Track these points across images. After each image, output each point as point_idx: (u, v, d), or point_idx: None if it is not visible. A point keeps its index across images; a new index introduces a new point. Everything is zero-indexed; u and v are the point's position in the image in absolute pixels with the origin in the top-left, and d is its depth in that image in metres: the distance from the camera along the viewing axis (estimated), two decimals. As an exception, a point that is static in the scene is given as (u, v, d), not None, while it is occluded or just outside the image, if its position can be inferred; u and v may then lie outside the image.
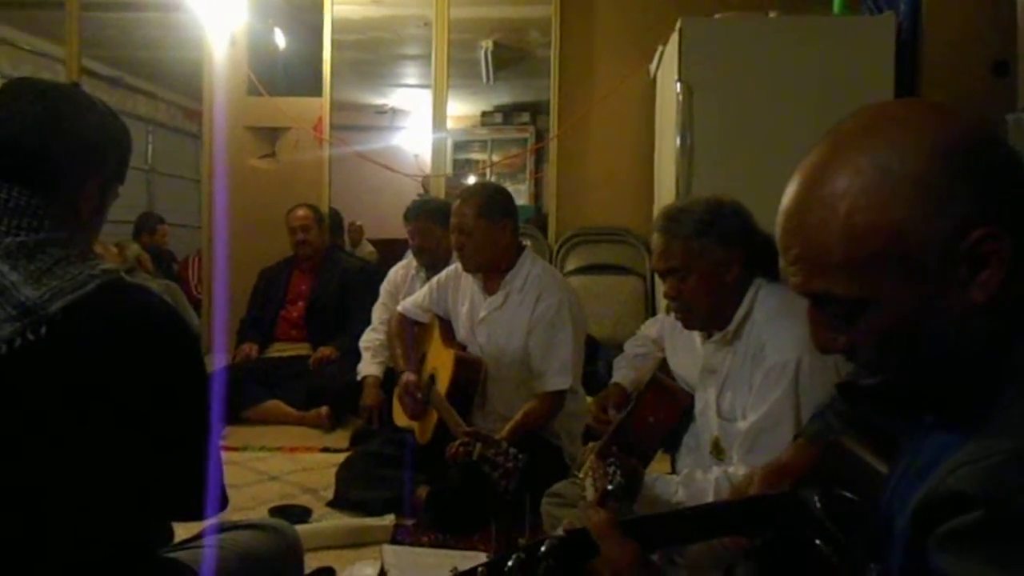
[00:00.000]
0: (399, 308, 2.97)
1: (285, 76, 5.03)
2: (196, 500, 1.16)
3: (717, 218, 1.79)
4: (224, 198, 4.73)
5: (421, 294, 2.91)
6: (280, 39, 5.01)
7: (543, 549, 0.82)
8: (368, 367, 3.47)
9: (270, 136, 4.98)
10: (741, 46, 3.42)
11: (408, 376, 2.69)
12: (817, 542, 0.86)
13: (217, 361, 4.02)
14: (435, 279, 2.90)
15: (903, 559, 0.71)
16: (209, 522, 1.49)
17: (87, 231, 1.22)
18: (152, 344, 1.12)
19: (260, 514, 2.53)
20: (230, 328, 4.39)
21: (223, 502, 1.24)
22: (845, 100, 3.30)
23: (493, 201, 2.64)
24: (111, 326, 1.09)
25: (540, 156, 6.62)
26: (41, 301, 1.06)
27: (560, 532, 0.84)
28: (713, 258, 1.77)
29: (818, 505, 0.89)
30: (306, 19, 5.06)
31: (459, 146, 7.54)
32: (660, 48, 4.03)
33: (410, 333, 2.89)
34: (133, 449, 1.11)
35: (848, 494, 0.89)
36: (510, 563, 0.80)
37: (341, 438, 3.60)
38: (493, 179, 6.87)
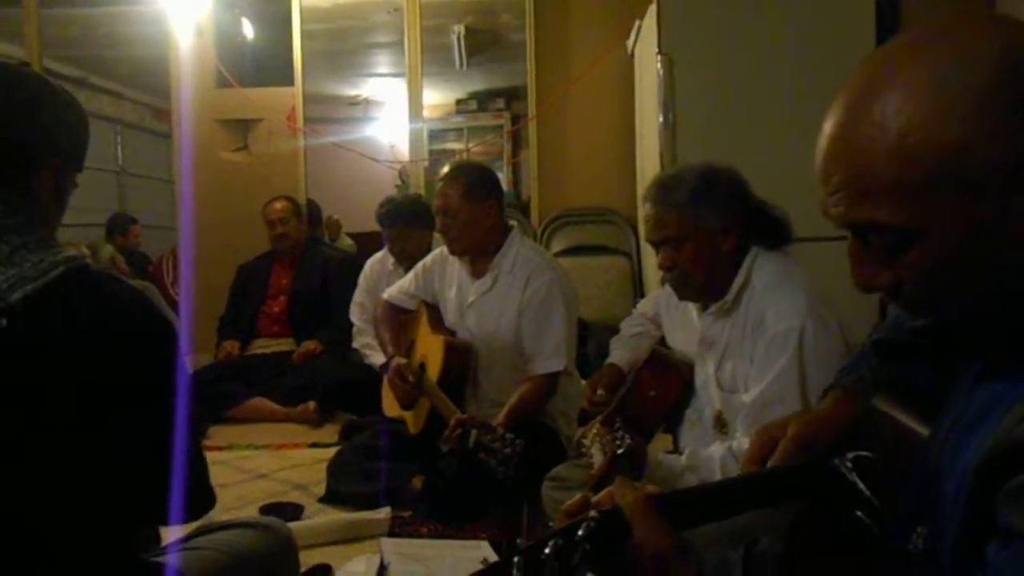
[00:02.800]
0: (384, 295, 2.89)
1: (255, 67, 4.92)
2: (173, 501, 1.08)
3: (712, 184, 1.73)
4: (196, 194, 4.62)
5: (407, 280, 2.84)
6: (248, 29, 4.89)
7: (580, 533, 0.75)
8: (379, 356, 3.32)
9: (242, 129, 4.87)
10: (721, 15, 3.36)
11: (398, 360, 2.61)
12: (857, 513, 0.80)
13: (191, 361, 3.92)
14: (420, 264, 2.82)
15: (963, 518, 0.65)
16: (198, 523, 1.42)
17: (46, 220, 1.14)
18: (122, 336, 1.04)
19: (249, 514, 2.45)
20: (208, 326, 4.29)
21: (209, 503, 1.16)
22: (828, 67, 3.24)
23: (478, 181, 2.57)
24: (77, 316, 1.01)
25: (517, 142, 6.55)
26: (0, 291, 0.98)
27: (594, 514, 0.77)
28: (709, 226, 1.71)
29: (853, 473, 0.83)
30: (274, 8, 4.95)
31: (434, 135, 7.44)
32: (638, 23, 3.96)
33: (396, 320, 2.82)
34: (101, 447, 1.03)
35: (883, 460, 0.83)
36: (547, 550, 0.74)
37: (330, 433, 3.52)
38: (474, 162, 6.77)
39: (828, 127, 0.70)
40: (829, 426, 0.93)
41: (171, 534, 1.41)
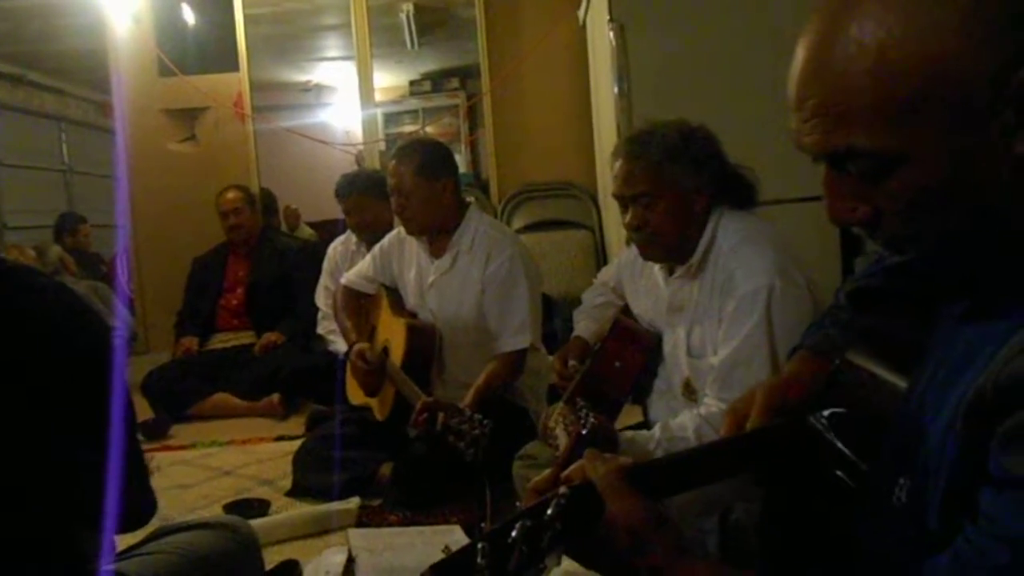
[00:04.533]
0: (343, 280, 2.82)
1: (198, 53, 4.75)
2: (109, 508, 1.01)
3: (689, 142, 1.69)
4: (145, 187, 4.48)
5: (365, 263, 2.77)
6: (188, 15, 4.72)
7: (549, 512, 0.70)
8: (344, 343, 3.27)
9: (188, 118, 4.72)
10: (672, -22, 3.31)
11: (359, 345, 2.55)
12: (837, 472, 0.76)
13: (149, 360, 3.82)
14: (378, 246, 2.75)
15: (951, 466, 0.61)
16: (154, 527, 1.35)
17: None
18: (43, 335, 0.96)
19: (215, 512, 2.39)
20: (165, 323, 4.18)
21: (149, 508, 1.09)
22: (781, 29, 3.22)
23: (431, 158, 2.50)
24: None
25: (474, 121, 6.47)
26: None
27: (564, 490, 0.72)
28: (684, 184, 1.67)
29: (831, 432, 0.79)
30: (214, -8, 4.79)
31: (390, 118, 7.31)
32: (588, -9, 3.90)
33: (357, 306, 2.75)
34: (32, 451, 0.95)
35: (860, 416, 0.79)
36: (514, 533, 0.69)
37: (296, 425, 3.45)
38: (428, 142, 6.67)
39: (801, 50, 0.65)
40: (797, 387, 0.89)
41: (129, 541, 1.34)
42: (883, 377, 0.78)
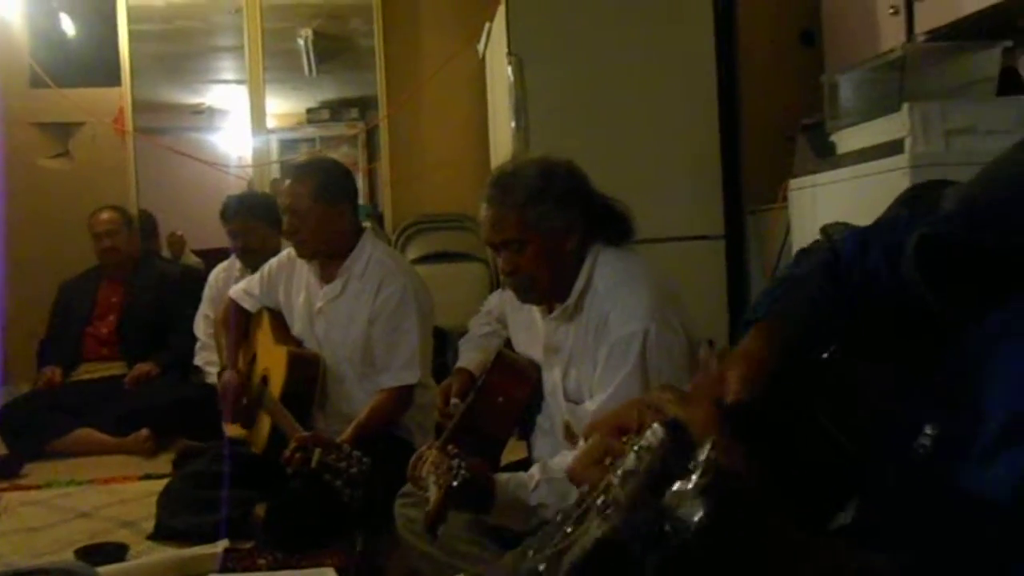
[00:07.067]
0: (230, 293, 2.68)
1: (78, 66, 4.50)
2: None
3: (551, 181, 1.65)
4: (10, 204, 4.17)
5: (252, 280, 2.64)
6: (68, 25, 4.48)
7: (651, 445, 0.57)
8: None
9: (62, 132, 4.45)
10: (569, 16, 3.36)
11: (230, 374, 2.40)
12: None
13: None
14: (266, 266, 2.62)
15: None
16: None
17: None
18: None
19: (65, 558, 2.17)
20: (26, 351, 3.88)
21: None
22: (672, 63, 3.31)
23: (331, 181, 2.41)
24: None
25: (372, 152, 6.38)
26: None
27: (656, 427, 0.58)
28: (551, 225, 1.64)
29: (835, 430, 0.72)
30: (98, 4, 4.56)
31: (286, 145, 7.14)
32: (487, 25, 3.91)
33: (241, 324, 2.60)
34: None
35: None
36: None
37: (165, 463, 3.23)
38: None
39: None
40: (766, 359, 0.78)
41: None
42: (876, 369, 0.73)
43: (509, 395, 1.75)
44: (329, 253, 2.42)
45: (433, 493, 1.39)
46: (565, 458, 1.55)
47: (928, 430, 0.62)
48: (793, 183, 3.00)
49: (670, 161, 3.33)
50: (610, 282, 1.63)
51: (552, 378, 1.71)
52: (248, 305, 2.60)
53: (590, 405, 1.60)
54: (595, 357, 1.60)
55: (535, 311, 1.79)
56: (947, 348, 0.67)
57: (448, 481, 1.37)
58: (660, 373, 1.52)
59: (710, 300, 3.32)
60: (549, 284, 1.67)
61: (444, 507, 1.38)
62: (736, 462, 0.58)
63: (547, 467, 1.54)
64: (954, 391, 0.64)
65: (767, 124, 3.64)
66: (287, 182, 2.43)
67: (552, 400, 1.73)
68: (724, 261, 3.42)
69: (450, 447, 1.49)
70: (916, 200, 1.01)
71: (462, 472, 1.38)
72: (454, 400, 1.88)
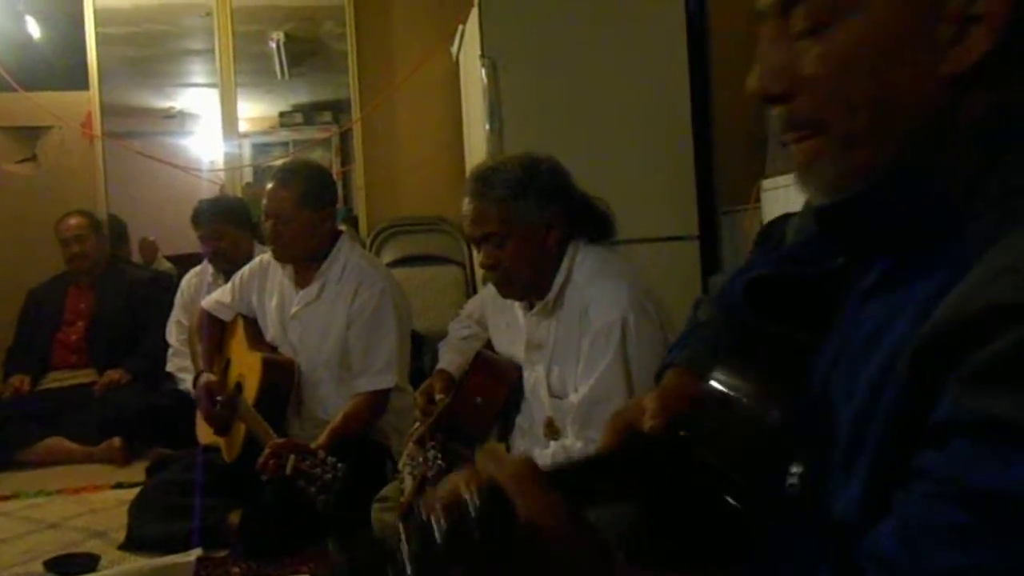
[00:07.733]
0: (203, 304, 2.64)
1: (45, 70, 4.42)
2: None
3: (533, 177, 1.66)
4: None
5: (224, 290, 2.62)
6: (33, 28, 4.40)
7: (467, 516, 0.56)
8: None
9: (29, 137, 4.37)
10: (542, 18, 3.35)
11: (207, 376, 2.37)
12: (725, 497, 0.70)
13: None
14: (238, 274, 2.60)
15: (884, 433, 0.55)
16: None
17: None
18: None
19: (33, 570, 2.14)
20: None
21: None
22: (645, 64, 3.31)
23: (315, 186, 2.39)
24: None
25: (346, 155, 6.35)
26: None
27: (472, 491, 0.57)
28: (532, 220, 1.65)
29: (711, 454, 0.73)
30: (64, 7, 4.48)
31: (258, 149, 7.09)
32: (461, 27, 3.89)
33: (216, 334, 2.56)
34: None
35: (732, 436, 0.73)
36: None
37: (138, 471, 3.16)
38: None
39: None
40: (681, 396, 0.83)
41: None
42: (744, 400, 0.73)
43: (488, 395, 1.75)
44: (308, 258, 2.41)
45: (408, 484, 1.39)
46: (542, 456, 1.55)
47: (794, 468, 0.63)
48: (766, 183, 3.01)
49: (644, 162, 3.33)
50: (588, 275, 1.65)
51: (534, 375, 1.72)
52: (223, 315, 2.57)
53: (574, 396, 1.61)
54: (577, 351, 1.61)
55: (517, 309, 1.79)
56: (802, 378, 0.69)
57: (423, 473, 1.37)
58: (641, 361, 1.54)
59: (685, 300, 3.30)
60: (530, 279, 1.68)
61: (418, 499, 1.38)
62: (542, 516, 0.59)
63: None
64: (811, 422, 0.65)
65: (740, 125, 3.65)
66: (270, 186, 2.40)
67: (534, 398, 1.73)
68: (699, 261, 3.43)
69: (430, 441, 1.49)
70: (764, 237, 1.05)
71: (437, 463, 1.38)
72: (439, 396, 1.88)
